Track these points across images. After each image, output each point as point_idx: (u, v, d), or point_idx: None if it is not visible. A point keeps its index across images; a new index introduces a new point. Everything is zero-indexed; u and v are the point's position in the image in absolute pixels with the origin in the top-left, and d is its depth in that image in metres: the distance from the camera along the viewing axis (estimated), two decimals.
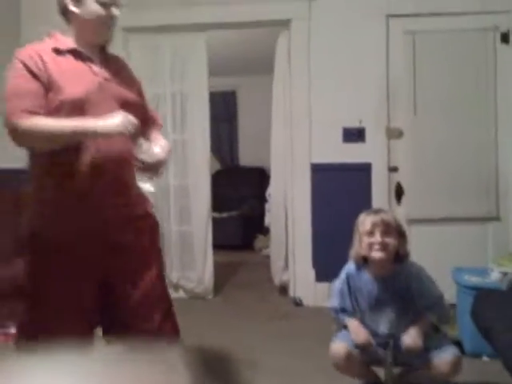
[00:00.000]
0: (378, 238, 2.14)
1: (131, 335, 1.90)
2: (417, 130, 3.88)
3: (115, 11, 1.95)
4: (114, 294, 1.93)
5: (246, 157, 7.62)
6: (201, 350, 2.14)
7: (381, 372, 2.32)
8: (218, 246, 4.60)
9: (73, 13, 1.91)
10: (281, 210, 4.34)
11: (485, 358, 2.74)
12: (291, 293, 4.13)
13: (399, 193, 3.92)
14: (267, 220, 5.17)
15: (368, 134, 3.93)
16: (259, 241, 6.39)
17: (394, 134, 3.92)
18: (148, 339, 1.86)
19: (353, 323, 2.24)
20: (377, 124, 3.92)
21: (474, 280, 2.89)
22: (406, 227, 2.46)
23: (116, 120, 1.77)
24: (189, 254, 4.29)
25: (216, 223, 4.54)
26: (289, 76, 4.09)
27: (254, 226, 6.45)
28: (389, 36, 3.90)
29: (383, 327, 2.23)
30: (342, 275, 2.31)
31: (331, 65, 3.95)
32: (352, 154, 3.92)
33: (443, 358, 2.11)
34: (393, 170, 3.90)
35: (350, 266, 2.31)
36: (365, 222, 2.19)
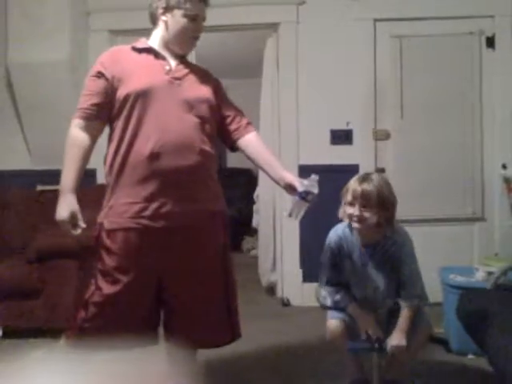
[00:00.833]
0: (356, 211, 2.15)
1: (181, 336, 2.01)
2: (403, 131, 3.93)
3: (201, 26, 2.06)
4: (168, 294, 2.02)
5: (234, 158, 7.61)
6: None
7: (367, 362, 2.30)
8: None
9: (162, 21, 2.02)
10: (269, 212, 4.37)
11: (470, 356, 2.77)
12: (279, 293, 4.15)
13: None
14: (255, 221, 5.18)
15: (355, 136, 3.97)
16: (247, 242, 6.42)
17: (381, 135, 3.97)
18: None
19: (355, 310, 2.25)
20: (364, 126, 3.96)
21: (459, 279, 2.93)
22: None
23: (63, 210, 1.89)
24: None
25: None
26: (277, 79, 4.10)
27: (242, 228, 6.44)
28: (376, 40, 3.95)
29: (370, 292, 2.25)
30: (336, 234, 2.30)
31: (319, 68, 3.98)
32: (340, 155, 3.96)
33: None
34: (380, 171, 3.94)
35: (344, 228, 2.30)
36: (348, 191, 2.20)
